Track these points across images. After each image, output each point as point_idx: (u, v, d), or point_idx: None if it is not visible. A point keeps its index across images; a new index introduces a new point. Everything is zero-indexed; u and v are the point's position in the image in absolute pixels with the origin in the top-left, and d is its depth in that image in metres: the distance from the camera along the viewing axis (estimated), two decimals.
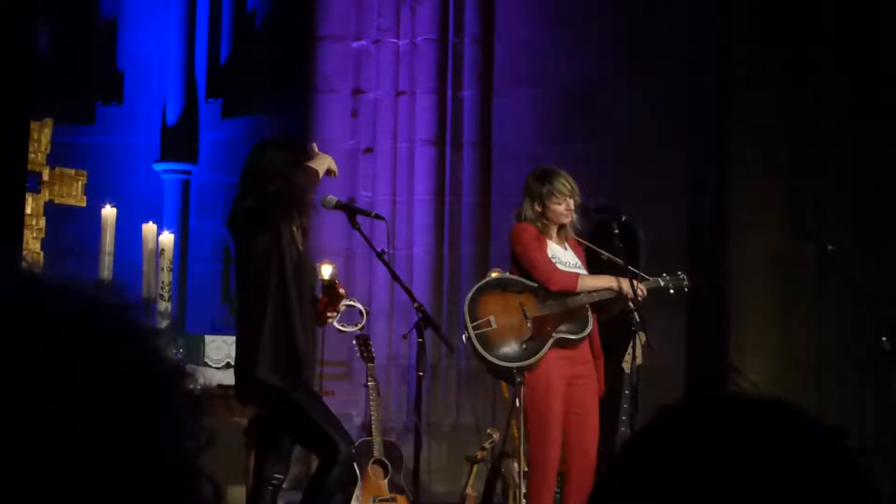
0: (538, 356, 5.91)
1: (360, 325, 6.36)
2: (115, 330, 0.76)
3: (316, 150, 5.70)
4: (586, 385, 6.04)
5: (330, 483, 5.32)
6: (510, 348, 5.98)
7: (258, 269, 5.31)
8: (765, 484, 0.88)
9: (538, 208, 6.03)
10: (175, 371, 0.78)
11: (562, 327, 6.01)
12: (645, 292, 6.07)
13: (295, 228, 5.38)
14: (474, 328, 5.97)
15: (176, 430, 0.75)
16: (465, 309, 6.04)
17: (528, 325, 5.99)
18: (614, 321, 6.17)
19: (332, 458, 5.26)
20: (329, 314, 5.61)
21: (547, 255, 6.03)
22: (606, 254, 6.11)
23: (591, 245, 6.16)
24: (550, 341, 5.96)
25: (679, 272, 6.26)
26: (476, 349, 5.98)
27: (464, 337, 6.09)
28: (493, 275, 6.52)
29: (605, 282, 6.03)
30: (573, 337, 6.01)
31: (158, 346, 0.78)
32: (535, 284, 6.03)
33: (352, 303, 5.94)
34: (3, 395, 0.71)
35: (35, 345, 0.73)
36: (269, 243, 5.29)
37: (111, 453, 0.71)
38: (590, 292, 6.01)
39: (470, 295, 6.13)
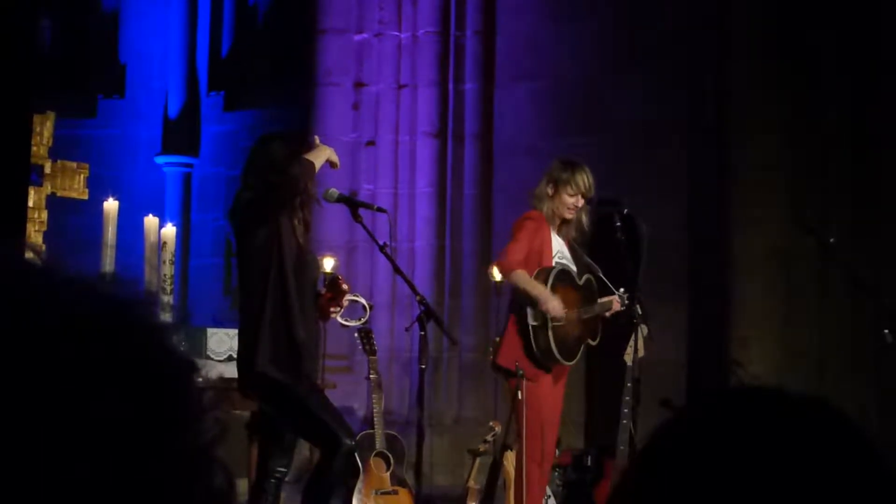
0: (576, 359, 6.01)
1: (363, 320, 6.35)
2: (126, 324, 0.77)
3: (317, 141, 5.71)
4: (560, 386, 6.09)
5: (332, 476, 5.33)
6: (565, 345, 6.00)
7: (257, 262, 5.32)
8: (797, 486, 0.89)
9: (550, 191, 5.99)
10: (186, 365, 0.78)
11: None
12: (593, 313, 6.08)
13: (296, 221, 5.38)
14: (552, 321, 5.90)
15: (189, 423, 0.75)
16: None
17: (580, 324, 6.04)
18: (616, 315, 6.17)
19: (334, 451, 5.27)
20: (332, 309, 5.62)
21: (528, 245, 5.97)
22: (587, 258, 6.12)
23: (577, 247, 6.14)
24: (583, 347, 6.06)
25: (640, 323, 6.15)
26: (548, 341, 5.92)
27: (531, 324, 5.96)
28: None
29: (537, 291, 5.91)
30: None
31: (169, 341, 0.78)
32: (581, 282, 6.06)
33: (356, 298, 5.93)
34: (14, 389, 0.71)
35: (45, 339, 0.73)
36: (269, 236, 5.30)
37: (124, 447, 0.72)
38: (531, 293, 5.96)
39: (550, 283, 5.96)
